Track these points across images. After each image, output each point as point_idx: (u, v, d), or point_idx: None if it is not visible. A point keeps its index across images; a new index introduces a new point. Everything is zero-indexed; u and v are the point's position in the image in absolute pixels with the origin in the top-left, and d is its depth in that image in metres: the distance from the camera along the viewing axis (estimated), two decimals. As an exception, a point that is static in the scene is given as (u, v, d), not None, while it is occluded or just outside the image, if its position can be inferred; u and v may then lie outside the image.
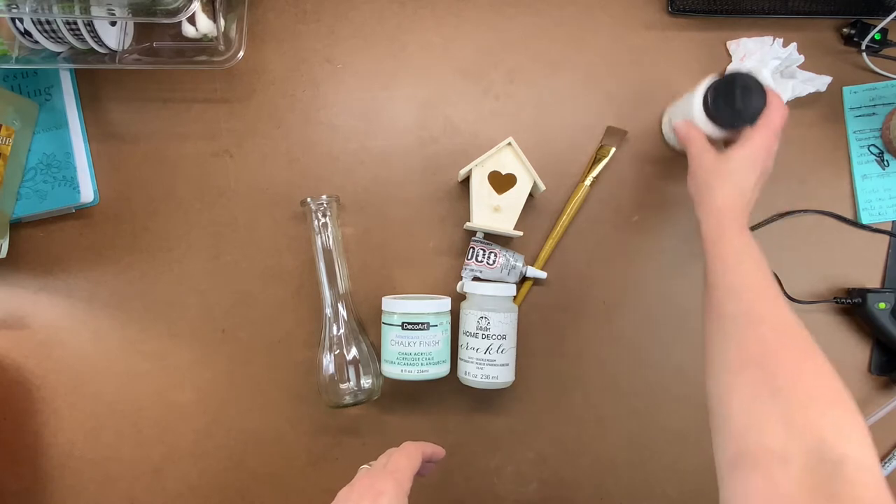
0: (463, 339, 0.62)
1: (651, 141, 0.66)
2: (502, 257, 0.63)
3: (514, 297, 0.64)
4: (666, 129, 0.64)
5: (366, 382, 0.62)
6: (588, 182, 0.64)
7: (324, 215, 0.63)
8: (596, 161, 0.65)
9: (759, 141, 0.52)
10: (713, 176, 0.53)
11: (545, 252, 0.65)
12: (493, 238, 0.65)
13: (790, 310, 0.44)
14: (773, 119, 0.53)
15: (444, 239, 0.66)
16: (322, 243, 0.63)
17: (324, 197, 0.63)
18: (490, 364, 0.60)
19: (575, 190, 0.65)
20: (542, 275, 0.64)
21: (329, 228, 0.63)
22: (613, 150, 0.65)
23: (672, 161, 0.66)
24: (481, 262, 0.63)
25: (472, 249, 0.63)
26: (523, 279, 0.65)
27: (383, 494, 0.45)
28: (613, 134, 0.65)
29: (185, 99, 0.66)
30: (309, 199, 0.63)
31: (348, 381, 0.61)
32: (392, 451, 0.50)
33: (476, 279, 0.64)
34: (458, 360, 0.63)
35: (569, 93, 0.66)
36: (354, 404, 0.62)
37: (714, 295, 0.47)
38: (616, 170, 0.65)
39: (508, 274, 0.63)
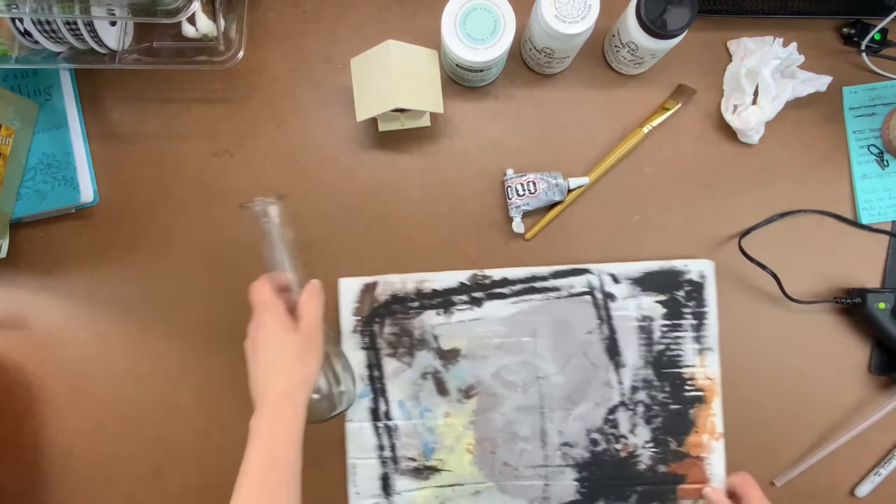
0: None
1: (650, 142, 0.65)
2: (542, 182, 0.62)
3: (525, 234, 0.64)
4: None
5: (342, 388, 0.59)
6: (647, 130, 0.64)
7: (265, 216, 0.57)
8: (659, 112, 0.65)
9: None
10: None
11: (601, 168, 0.64)
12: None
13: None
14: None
15: (444, 239, 0.66)
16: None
17: (263, 198, 0.57)
18: None
19: (632, 133, 0.65)
20: (585, 181, 0.64)
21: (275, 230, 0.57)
22: (679, 105, 0.64)
23: (671, 161, 0.66)
24: (523, 195, 0.62)
25: (509, 188, 0.63)
26: (568, 192, 0.64)
27: (265, 324, 0.54)
28: (683, 92, 0.65)
29: (185, 99, 0.66)
30: (252, 202, 0.56)
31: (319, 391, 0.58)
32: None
33: (526, 214, 0.64)
34: None
35: (569, 92, 0.66)
36: (337, 415, 0.59)
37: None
38: (616, 169, 0.65)
39: (555, 193, 0.63)
